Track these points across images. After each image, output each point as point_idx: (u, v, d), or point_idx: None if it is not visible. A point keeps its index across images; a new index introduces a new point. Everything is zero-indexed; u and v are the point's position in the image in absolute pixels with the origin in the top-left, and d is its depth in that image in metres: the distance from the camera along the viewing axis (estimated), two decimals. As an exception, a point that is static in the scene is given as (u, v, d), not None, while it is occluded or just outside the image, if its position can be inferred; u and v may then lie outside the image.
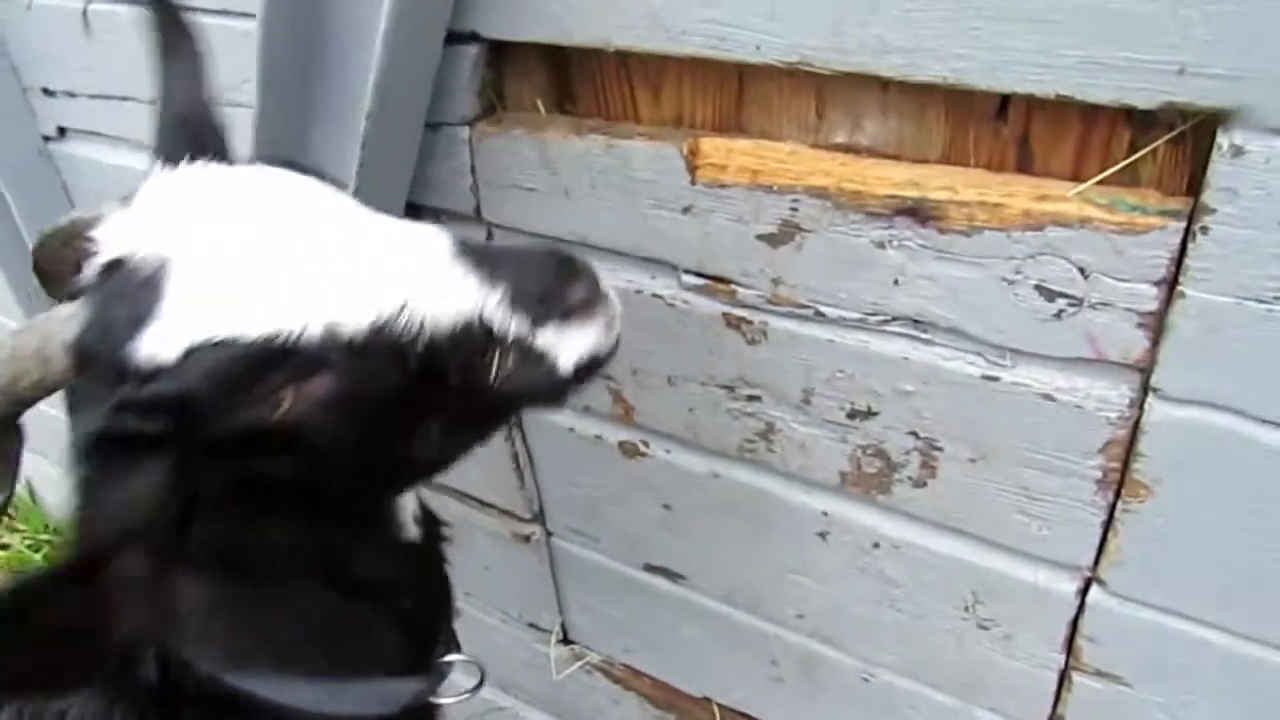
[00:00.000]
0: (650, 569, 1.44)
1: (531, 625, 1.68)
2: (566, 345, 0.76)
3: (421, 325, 0.72)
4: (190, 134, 0.84)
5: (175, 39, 0.90)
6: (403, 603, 1.03)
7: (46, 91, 1.64)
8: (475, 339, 0.73)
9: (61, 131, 1.70)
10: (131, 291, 0.71)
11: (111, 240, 0.76)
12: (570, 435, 1.37)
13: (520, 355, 0.75)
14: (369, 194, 0.99)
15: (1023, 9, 0.79)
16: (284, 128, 1.12)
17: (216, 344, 0.68)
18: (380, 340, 0.71)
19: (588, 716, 1.75)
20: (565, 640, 1.67)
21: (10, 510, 2.79)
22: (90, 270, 0.76)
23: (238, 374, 0.68)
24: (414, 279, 0.72)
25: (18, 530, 2.78)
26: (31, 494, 2.78)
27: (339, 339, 0.70)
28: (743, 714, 1.52)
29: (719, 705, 1.54)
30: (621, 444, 1.33)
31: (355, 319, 0.70)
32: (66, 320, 0.73)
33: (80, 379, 0.72)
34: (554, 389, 0.78)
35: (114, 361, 0.70)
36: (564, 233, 1.17)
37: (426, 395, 0.75)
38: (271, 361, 0.69)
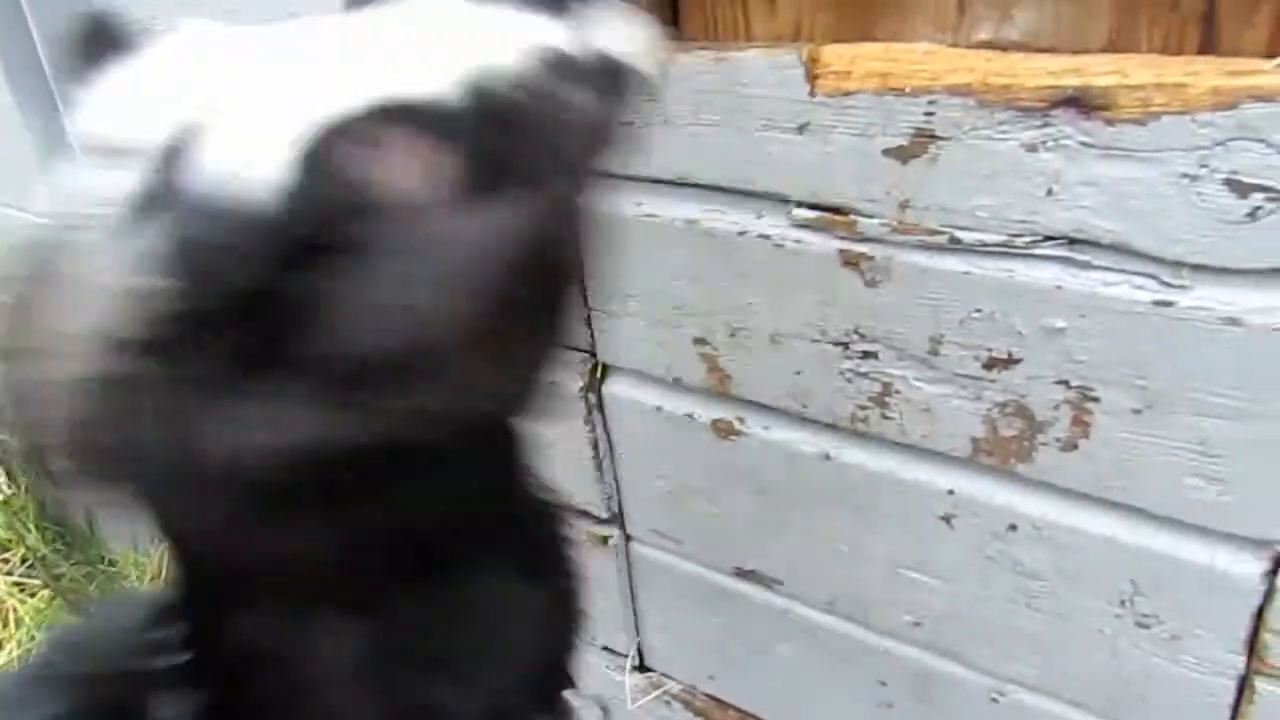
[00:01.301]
0: (741, 573, 1.28)
1: (605, 649, 1.53)
2: (607, 33, 0.66)
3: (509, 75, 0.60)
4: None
5: None
6: (558, 581, 0.82)
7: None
8: (561, 67, 0.63)
9: None
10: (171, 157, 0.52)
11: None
12: (657, 415, 1.24)
13: (599, 68, 0.65)
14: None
15: None
16: None
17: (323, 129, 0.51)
18: (482, 99, 0.59)
19: (663, 758, 1.57)
20: (641, 667, 1.51)
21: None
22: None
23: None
24: (476, 36, 0.60)
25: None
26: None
27: (442, 106, 0.57)
28: (842, 750, 1.34)
29: (814, 740, 1.36)
30: (715, 423, 1.20)
31: (442, 85, 0.58)
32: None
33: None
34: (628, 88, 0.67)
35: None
36: (662, 170, 1.07)
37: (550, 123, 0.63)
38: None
